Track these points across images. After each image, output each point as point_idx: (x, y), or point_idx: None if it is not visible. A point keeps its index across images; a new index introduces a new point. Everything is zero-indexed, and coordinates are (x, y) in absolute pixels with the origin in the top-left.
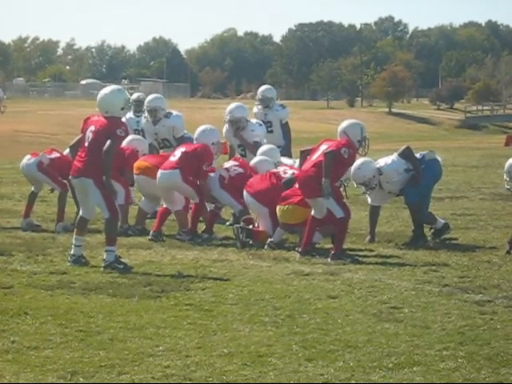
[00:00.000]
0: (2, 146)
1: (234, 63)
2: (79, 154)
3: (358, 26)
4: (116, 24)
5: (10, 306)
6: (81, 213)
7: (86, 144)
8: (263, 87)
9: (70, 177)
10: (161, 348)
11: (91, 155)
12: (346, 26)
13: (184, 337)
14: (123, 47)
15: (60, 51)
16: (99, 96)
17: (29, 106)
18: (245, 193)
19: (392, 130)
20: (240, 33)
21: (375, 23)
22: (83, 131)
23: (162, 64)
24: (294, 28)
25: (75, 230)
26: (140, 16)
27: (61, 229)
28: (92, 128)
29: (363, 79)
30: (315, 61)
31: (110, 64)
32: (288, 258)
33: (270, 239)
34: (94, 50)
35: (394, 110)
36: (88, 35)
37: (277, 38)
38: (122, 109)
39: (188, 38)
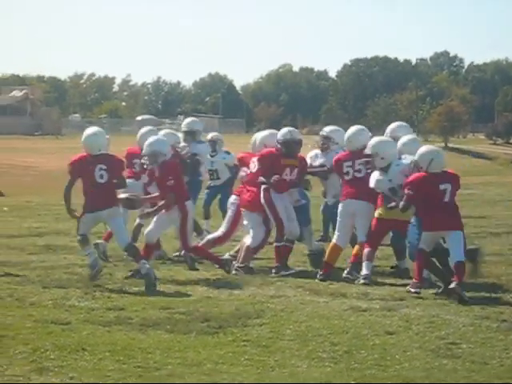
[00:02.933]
0: (59, 182)
1: (290, 98)
2: None
3: (414, 61)
4: (172, 60)
5: (67, 342)
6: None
7: None
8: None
9: None
10: None
11: None
12: (402, 60)
13: (242, 373)
14: (179, 83)
15: (116, 87)
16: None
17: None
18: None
19: (447, 165)
20: (295, 68)
21: (431, 58)
22: None
23: (218, 99)
24: (349, 63)
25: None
26: (196, 52)
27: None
28: None
29: (419, 114)
30: (370, 96)
31: (166, 100)
32: (345, 294)
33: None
34: (149, 85)
35: (450, 144)
36: (144, 71)
37: (332, 74)
38: None
39: (243, 74)
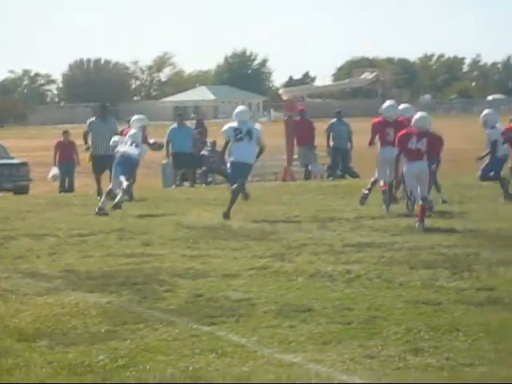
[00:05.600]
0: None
1: None
2: None
3: None
4: None
5: (440, 323)
6: None
7: None
8: None
9: None
10: None
11: None
12: None
13: None
14: None
15: (466, 68)
16: None
17: (437, 122)
18: None
19: None
20: None
21: None
22: None
23: None
24: None
25: None
26: None
27: None
28: None
29: None
30: None
31: None
32: None
33: None
34: (499, 65)
35: None
36: (494, 50)
37: None
38: None
39: None
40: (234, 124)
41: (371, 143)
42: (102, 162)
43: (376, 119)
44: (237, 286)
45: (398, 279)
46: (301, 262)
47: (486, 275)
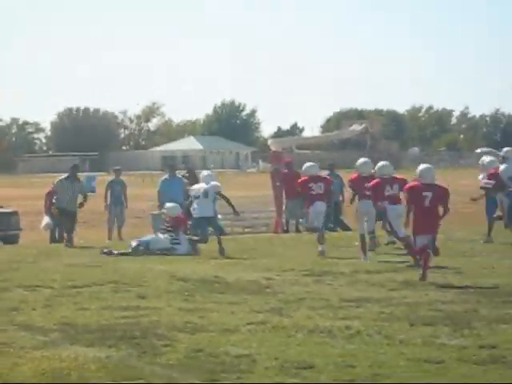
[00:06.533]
0: None
1: None
2: None
3: None
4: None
5: (444, 382)
6: None
7: None
8: None
9: None
10: None
11: None
12: None
13: None
14: None
15: (454, 120)
16: None
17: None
18: None
19: None
20: None
21: None
22: None
23: None
24: None
25: None
26: None
27: None
28: None
29: None
30: None
31: (505, 132)
32: None
33: None
34: (487, 118)
35: None
36: (482, 103)
37: None
38: None
39: None
40: (204, 185)
41: (353, 200)
42: (64, 215)
43: (353, 176)
44: (236, 342)
45: (399, 336)
46: (299, 317)
47: (487, 332)
